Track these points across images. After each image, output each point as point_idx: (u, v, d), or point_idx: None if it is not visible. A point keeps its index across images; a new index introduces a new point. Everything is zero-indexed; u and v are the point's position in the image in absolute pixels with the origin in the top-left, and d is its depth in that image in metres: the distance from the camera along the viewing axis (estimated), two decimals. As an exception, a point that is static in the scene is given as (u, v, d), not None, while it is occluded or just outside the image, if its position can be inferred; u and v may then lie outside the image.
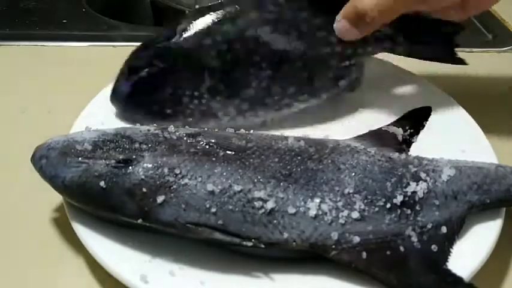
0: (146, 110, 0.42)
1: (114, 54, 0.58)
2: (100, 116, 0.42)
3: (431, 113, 0.44)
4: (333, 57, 0.42)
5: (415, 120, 0.42)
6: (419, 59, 0.46)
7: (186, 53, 0.41)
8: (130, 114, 0.42)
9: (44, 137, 0.34)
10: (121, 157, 0.32)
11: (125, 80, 0.42)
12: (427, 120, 0.43)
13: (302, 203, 0.31)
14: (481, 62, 0.58)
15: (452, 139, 0.41)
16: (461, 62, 0.46)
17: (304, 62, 0.42)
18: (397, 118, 0.43)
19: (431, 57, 0.46)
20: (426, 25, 0.44)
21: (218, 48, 0.41)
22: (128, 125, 0.40)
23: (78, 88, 0.51)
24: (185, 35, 0.41)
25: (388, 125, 0.42)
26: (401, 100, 0.46)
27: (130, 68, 0.42)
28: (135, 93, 0.42)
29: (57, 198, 0.35)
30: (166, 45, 0.41)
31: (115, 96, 0.42)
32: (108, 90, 0.44)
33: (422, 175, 0.34)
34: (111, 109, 0.43)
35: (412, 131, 0.41)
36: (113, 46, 0.59)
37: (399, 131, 0.40)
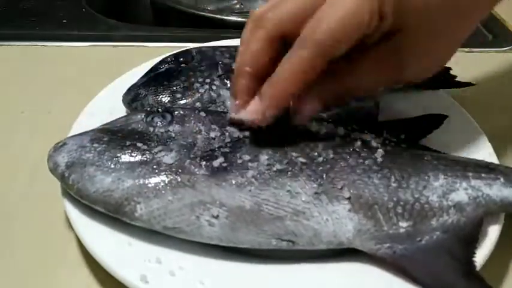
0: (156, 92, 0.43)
1: (114, 54, 0.58)
2: (100, 116, 0.42)
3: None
4: None
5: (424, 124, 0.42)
6: (427, 89, 0.47)
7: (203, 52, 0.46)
8: (139, 99, 0.43)
9: (44, 137, 0.34)
10: None
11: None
12: (436, 127, 0.42)
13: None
14: (481, 62, 0.58)
15: (452, 139, 0.41)
16: (468, 84, 0.48)
17: None
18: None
19: (441, 86, 0.47)
20: None
21: (231, 53, 0.45)
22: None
23: (78, 88, 0.51)
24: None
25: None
26: (401, 99, 0.46)
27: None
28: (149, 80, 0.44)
29: (56, 198, 0.35)
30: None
31: (129, 89, 0.43)
32: (108, 90, 0.44)
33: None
34: (111, 109, 0.43)
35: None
36: (113, 46, 0.59)
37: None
